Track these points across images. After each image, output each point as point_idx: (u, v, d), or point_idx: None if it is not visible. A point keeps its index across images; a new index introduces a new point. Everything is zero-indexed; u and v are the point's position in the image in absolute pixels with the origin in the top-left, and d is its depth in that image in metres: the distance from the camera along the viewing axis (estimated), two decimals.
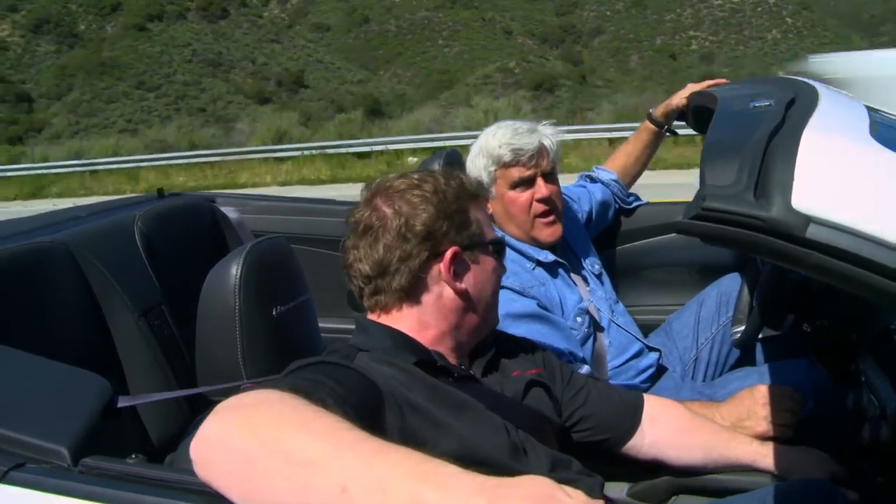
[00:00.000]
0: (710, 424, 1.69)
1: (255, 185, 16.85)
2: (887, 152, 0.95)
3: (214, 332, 1.43)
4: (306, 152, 19.02)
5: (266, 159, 19.34)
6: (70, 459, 1.06)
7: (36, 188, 19.59)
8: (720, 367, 2.34)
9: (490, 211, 2.20)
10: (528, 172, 2.14)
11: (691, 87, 2.40)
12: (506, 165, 2.14)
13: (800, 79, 1.35)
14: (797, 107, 1.08)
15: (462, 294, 1.38)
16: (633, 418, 1.62)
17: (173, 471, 1.03)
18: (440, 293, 1.37)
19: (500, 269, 1.48)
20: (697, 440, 1.65)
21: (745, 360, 2.32)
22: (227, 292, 1.40)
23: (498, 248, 1.47)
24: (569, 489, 0.82)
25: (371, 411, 1.10)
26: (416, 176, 1.41)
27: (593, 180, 2.67)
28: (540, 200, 2.15)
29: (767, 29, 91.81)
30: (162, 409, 1.86)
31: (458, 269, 1.38)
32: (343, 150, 18.75)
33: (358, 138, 19.92)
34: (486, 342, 1.52)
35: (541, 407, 1.49)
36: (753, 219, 0.87)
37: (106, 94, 70.11)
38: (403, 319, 1.38)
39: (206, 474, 0.91)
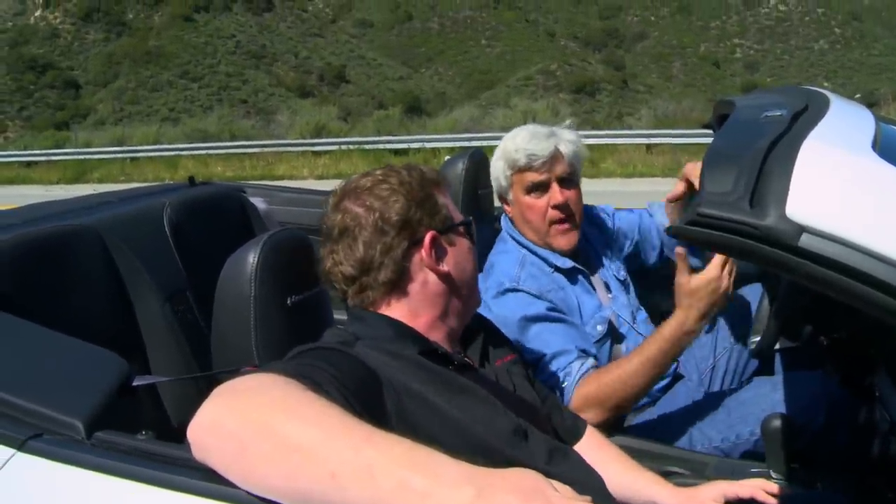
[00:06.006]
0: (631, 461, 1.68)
1: (292, 178, 16.99)
2: (886, 166, 0.96)
3: (230, 319, 1.46)
4: (344, 147, 19.13)
5: (304, 152, 19.48)
6: (84, 432, 1.10)
7: (78, 173, 19.93)
8: (738, 376, 2.33)
9: (510, 214, 2.22)
10: (542, 177, 2.13)
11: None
12: (520, 170, 2.14)
13: (817, 89, 1.35)
14: (804, 117, 1.09)
15: (445, 277, 1.41)
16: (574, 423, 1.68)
17: (179, 448, 1.06)
18: (425, 280, 1.40)
19: (475, 250, 1.51)
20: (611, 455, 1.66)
21: (764, 370, 2.31)
22: (243, 280, 1.43)
23: (468, 229, 1.50)
24: (557, 484, 0.83)
25: (370, 397, 1.12)
26: (378, 172, 1.44)
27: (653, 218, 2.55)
28: (555, 207, 2.14)
29: (815, 39, 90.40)
30: (182, 394, 1.90)
31: (437, 254, 1.41)
32: (380, 146, 18.86)
33: (395, 135, 19.99)
34: (473, 327, 1.55)
35: (529, 395, 1.53)
36: (747, 226, 0.89)
37: (150, 82, 71.03)
38: (393, 312, 1.40)
39: (203, 457, 0.94)
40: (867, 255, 0.87)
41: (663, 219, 2.47)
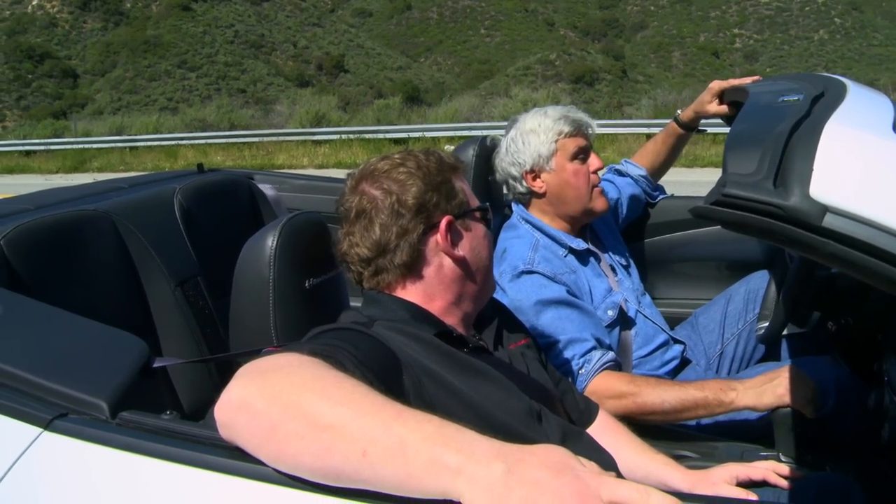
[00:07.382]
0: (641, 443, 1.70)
1: (291, 167, 16.93)
2: None
3: (248, 301, 1.47)
4: (344, 136, 19.08)
5: (304, 142, 19.39)
6: (108, 412, 1.11)
7: (78, 162, 19.89)
8: (745, 362, 2.35)
9: (543, 189, 2.23)
10: (586, 142, 2.21)
11: (717, 86, 2.38)
12: (568, 135, 2.18)
13: (831, 76, 1.36)
14: (823, 101, 1.10)
15: (460, 262, 1.42)
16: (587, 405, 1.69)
17: (204, 427, 1.07)
18: (440, 264, 1.41)
19: (490, 236, 1.52)
20: (623, 438, 1.67)
21: (770, 356, 2.32)
22: (262, 263, 1.44)
23: (484, 215, 1.51)
24: (583, 459, 0.84)
25: (389, 377, 1.13)
26: (397, 156, 1.45)
27: (621, 174, 2.68)
28: (595, 171, 2.22)
29: (814, 29, 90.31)
30: (194, 377, 1.92)
31: (453, 238, 1.42)
32: (380, 136, 18.77)
33: (395, 124, 19.93)
34: (487, 311, 1.56)
35: (542, 378, 1.55)
36: (772, 206, 0.90)
37: (148, 72, 70.98)
38: (408, 295, 1.41)
39: (231, 436, 0.95)
40: (890, 235, 0.88)
41: (636, 171, 2.68)
